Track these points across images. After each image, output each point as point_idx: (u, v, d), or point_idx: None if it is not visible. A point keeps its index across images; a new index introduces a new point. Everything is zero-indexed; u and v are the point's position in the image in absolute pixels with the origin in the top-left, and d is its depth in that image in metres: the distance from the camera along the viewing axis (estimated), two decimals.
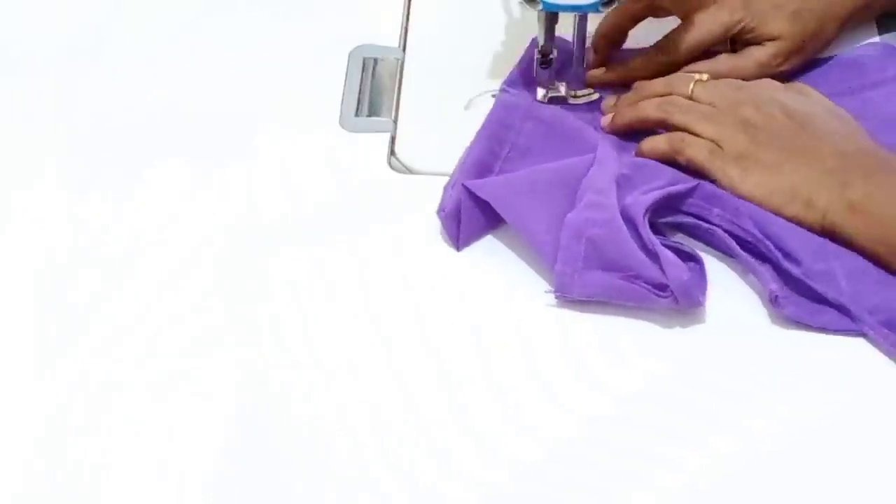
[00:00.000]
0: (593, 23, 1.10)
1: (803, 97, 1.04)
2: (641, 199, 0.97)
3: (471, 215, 1.00)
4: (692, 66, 1.08)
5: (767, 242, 0.97)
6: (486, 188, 1.00)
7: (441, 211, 1.01)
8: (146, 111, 1.11)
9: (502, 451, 0.87)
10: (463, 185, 1.00)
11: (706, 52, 1.10)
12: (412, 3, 1.20)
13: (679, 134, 1.02)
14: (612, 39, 1.11)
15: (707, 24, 1.09)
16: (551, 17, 1.06)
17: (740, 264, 0.98)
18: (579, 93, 1.10)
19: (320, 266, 1.00)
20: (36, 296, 0.97)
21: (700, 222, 0.99)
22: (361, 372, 0.92)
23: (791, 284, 0.96)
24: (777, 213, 0.98)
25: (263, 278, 0.99)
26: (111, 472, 0.87)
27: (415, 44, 1.17)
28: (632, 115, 1.06)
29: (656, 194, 0.98)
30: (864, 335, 0.94)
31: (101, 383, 0.92)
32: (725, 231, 0.98)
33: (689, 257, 0.97)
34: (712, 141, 1.01)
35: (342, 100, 1.12)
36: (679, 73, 1.08)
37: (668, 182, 1.00)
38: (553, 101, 1.09)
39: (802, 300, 0.95)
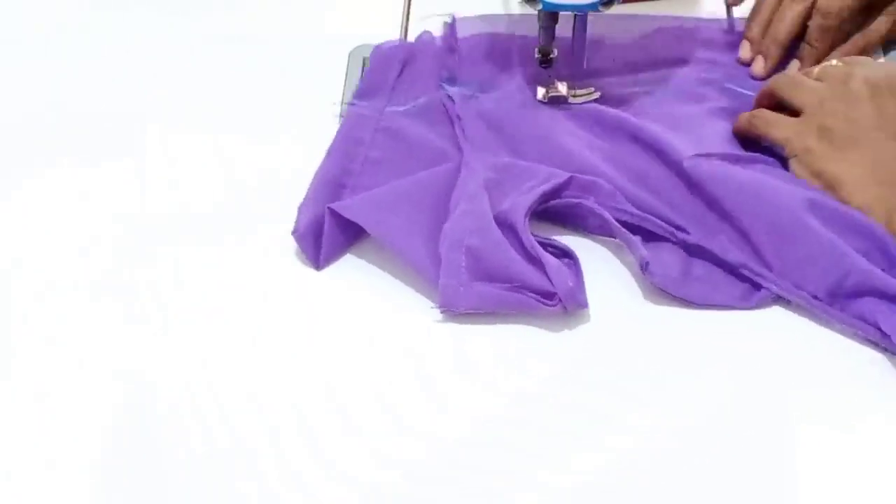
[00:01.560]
0: (593, 23, 1.10)
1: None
2: (519, 203, 0.96)
3: (333, 235, 0.98)
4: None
5: (654, 219, 0.97)
6: (353, 208, 0.98)
7: (295, 231, 0.98)
8: (127, 110, 1.12)
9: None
10: (328, 207, 0.98)
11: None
12: (412, 3, 1.20)
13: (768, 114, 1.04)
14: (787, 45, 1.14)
15: None
16: (551, 17, 1.06)
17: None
18: (579, 92, 1.09)
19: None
20: None
21: (570, 201, 0.98)
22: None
23: (691, 253, 0.96)
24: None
25: (268, 277, 0.99)
26: None
27: None
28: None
29: (534, 196, 0.97)
30: (733, 310, 0.94)
31: None
32: (607, 207, 0.98)
33: (563, 254, 0.96)
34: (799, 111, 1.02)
35: (342, 99, 1.12)
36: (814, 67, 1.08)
37: (541, 180, 0.99)
38: (553, 100, 1.09)
39: (671, 270, 0.95)
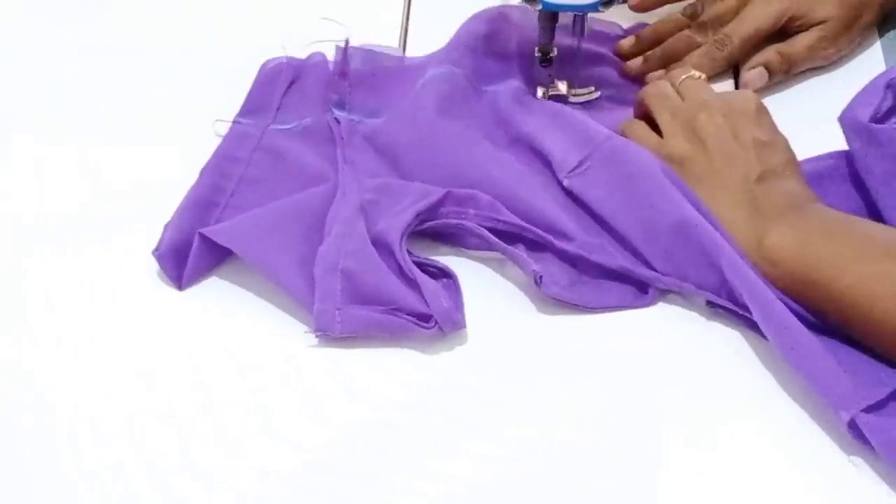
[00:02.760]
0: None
1: (766, 125, 1.01)
2: (394, 223, 0.95)
3: (200, 256, 0.96)
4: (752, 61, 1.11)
5: (534, 229, 0.96)
6: (224, 233, 0.96)
7: (156, 251, 0.96)
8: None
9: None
10: (199, 232, 0.95)
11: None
12: (412, 3, 1.21)
13: (637, 126, 1.04)
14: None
15: (757, 16, 1.11)
16: (551, 17, 1.06)
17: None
18: (579, 91, 1.09)
19: None
20: None
21: (449, 221, 0.97)
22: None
23: (569, 263, 0.96)
24: None
25: None
26: None
27: (415, 44, 1.17)
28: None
29: (408, 215, 0.95)
30: (621, 314, 0.94)
31: None
32: (485, 228, 0.96)
33: (442, 274, 0.95)
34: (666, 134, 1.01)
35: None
36: (681, 69, 1.07)
37: (416, 198, 0.97)
38: (553, 99, 1.08)
39: (561, 279, 0.95)
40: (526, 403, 0.89)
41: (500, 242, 0.96)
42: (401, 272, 0.93)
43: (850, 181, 1.01)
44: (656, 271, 0.95)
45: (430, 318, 0.91)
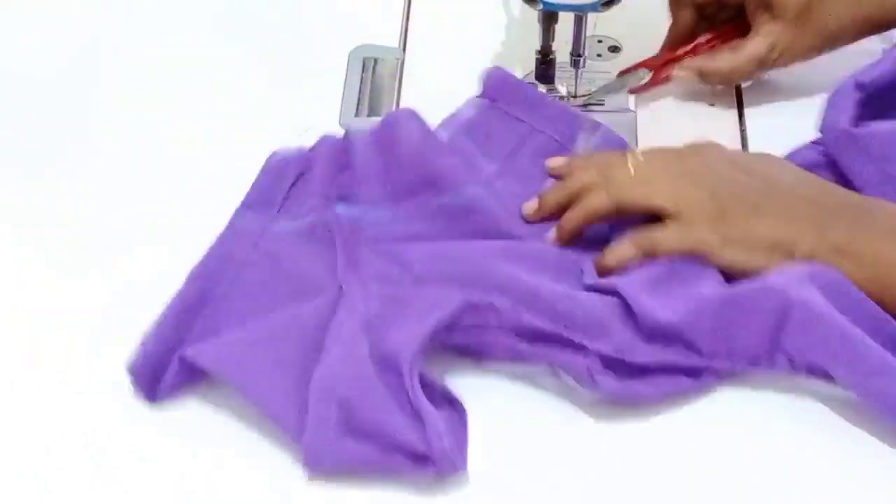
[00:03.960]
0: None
1: (748, 154, 0.98)
2: (406, 341, 0.86)
3: (179, 376, 0.88)
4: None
5: (563, 332, 0.88)
6: (207, 355, 0.87)
7: (130, 367, 0.88)
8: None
9: None
10: (179, 356, 0.87)
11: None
12: (412, 3, 1.21)
13: (642, 234, 0.93)
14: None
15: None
16: (551, 17, 1.06)
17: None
18: (579, 93, 1.09)
19: None
20: None
21: (472, 337, 0.89)
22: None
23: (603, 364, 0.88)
24: (760, 272, 0.90)
25: None
26: None
27: (415, 44, 1.17)
28: (579, 215, 0.95)
29: (422, 332, 0.86)
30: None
31: None
32: (512, 327, 0.88)
33: (447, 403, 0.86)
34: (675, 215, 0.93)
35: (342, 100, 1.12)
36: (608, 154, 0.99)
37: (428, 309, 0.88)
38: None
39: (609, 376, 0.88)
40: None
41: (530, 347, 0.89)
42: (406, 399, 0.85)
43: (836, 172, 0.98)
44: (702, 355, 0.88)
45: (428, 459, 0.83)
